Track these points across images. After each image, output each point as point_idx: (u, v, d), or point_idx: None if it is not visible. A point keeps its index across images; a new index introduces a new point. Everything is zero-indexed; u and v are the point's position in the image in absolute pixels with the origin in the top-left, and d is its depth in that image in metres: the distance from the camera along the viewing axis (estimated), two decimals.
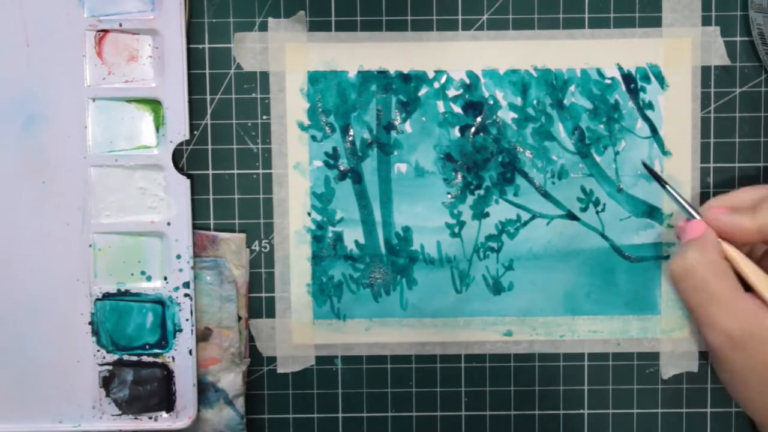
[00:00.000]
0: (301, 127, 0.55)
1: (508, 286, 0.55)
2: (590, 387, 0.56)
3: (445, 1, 0.54)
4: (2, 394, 0.54)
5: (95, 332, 0.54)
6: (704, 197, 0.55)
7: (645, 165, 0.53)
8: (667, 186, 0.51)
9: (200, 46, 0.54)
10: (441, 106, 0.55)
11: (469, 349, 0.56)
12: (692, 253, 0.46)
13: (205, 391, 0.55)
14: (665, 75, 0.55)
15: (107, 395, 0.54)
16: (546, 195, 0.55)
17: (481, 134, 0.55)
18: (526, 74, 0.55)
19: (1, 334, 0.54)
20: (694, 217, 0.49)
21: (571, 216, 0.55)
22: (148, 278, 0.54)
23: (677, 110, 0.55)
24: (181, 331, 0.54)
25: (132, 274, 0.54)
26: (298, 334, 0.56)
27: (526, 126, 0.55)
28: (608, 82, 0.55)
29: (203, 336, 0.55)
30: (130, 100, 0.53)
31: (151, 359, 0.54)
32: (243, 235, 0.55)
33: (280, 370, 0.56)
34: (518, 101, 0.55)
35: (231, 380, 0.55)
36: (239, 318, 0.55)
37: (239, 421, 0.55)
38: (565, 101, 0.55)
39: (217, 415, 0.55)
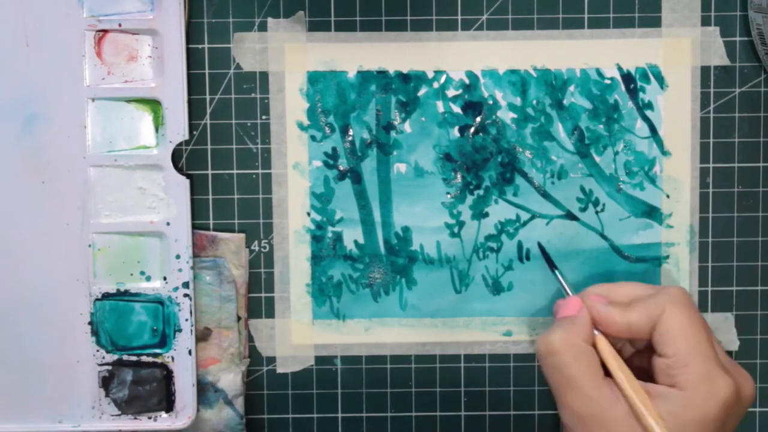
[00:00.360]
0: (301, 127, 0.55)
1: (507, 286, 0.55)
2: None
3: (445, 1, 0.54)
4: (2, 394, 0.54)
5: (95, 332, 0.54)
6: (704, 197, 0.55)
7: (539, 245, 0.54)
8: (555, 271, 0.52)
9: (200, 46, 0.54)
10: (440, 106, 0.55)
11: (468, 349, 0.56)
12: (557, 334, 0.47)
13: (204, 391, 0.55)
14: (665, 75, 0.55)
15: (107, 395, 0.54)
16: (545, 195, 0.55)
17: (481, 134, 0.55)
18: (525, 74, 0.55)
19: (1, 334, 0.54)
20: (569, 294, 0.50)
21: (570, 216, 0.55)
22: (148, 278, 0.54)
23: (677, 110, 0.55)
24: (180, 331, 0.54)
25: (131, 274, 0.54)
26: (298, 334, 0.56)
27: (526, 126, 0.55)
28: (608, 82, 0.55)
29: (203, 336, 0.55)
30: (129, 100, 0.53)
31: (150, 359, 0.54)
32: (242, 235, 0.55)
33: (279, 370, 0.56)
34: (518, 101, 0.55)
35: (230, 380, 0.55)
36: (239, 318, 0.55)
37: (239, 421, 0.55)
38: (565, 101, 0.55)
39: (216, 415, 0.55)
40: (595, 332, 0.48)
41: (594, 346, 0.47)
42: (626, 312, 0.47)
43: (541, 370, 0.48)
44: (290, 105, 0.55)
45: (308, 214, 0.55)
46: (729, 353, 0.56)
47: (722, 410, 0.45)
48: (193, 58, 0.54)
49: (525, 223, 0.55)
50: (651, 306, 0.47)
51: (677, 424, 0.45)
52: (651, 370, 0.47)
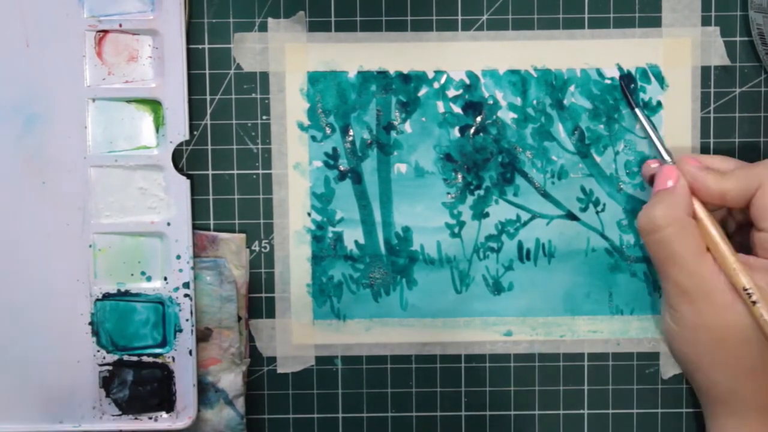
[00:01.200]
0: (301, 127, 0.55)
1: (508, 286, 0.55)
2: (590, 387, 0.56)
3: (445, 2, 0.54)
4: (2, 394, 0.54)
5: (95, 332, 0.54)
6: None
7: (620, 82, 0.53)
8: (637, 110, 0.51)
9: (200, 47, 0.54)
10: (441, 106, 0.55)
11: (469, 349, 0.56)
12: (660, 210, 0.47)
13: (205, 391, 0.55)
14: (665, 75, 0.55)
15: (107, 395, 0.54)
16: (546, 195, 0.55)
17: (481, 134, 0.55)
18: (526, 74, 0.55)
19: (1, 334, 0.54)
20: (665, 161, 0.50)
21: (570, 216, 0.55)
22: (148, 278, 0.54)
23: (677, 110, 0.55)
24: (181, 331, 0.54)
25: (132, 275, 0.54)
26: (298, 335, 0.56)
27: (526, 126, 0.55)
28: (608, 82, 0.55)
29: (203, 336, 0.55)
30: (130, 101, 0.53)
31: (151, 359, 0.54)
32: (243, 236, 0.55)
33: (280, 371, 0.56)
34: (518, 101, 0.55)
35: (231, 380, 0.55)
36: (239, 318, 0.55)
37: (239, 421, 0.55)
38: (565, 101, 0.55)
39: (217, 415, 0.55)
40: (695, 203, 0.48)
41: (694, 216, 0.47)
42: (722, 180, 0.47)
43: (647, 245, 0.48)
44: (291, 105, 0.55)
45: (309, 214, 0.55)
46: None
47: None
48: (193, 59, 0.54)
49: (525, 223, 0.55)
50: (748, 177, 0.47)
51: None
52: (751, 244, 0.47)
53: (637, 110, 0.51)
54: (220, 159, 0.55)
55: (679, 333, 0.49)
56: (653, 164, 0.50)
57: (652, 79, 0.55)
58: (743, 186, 0.47)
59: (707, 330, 0.47)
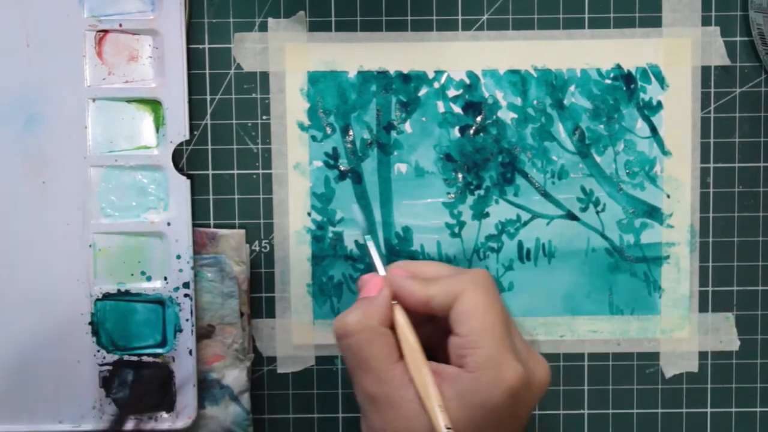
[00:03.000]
0: (301, 127, 0.55)
1: (508, 286, 0.55)
2: (590, 387, 0.56)
3: (445, 2, 0.54)
4: (2, 394, 0.54)
5: (95, 332, 0.54)
6: (704, 197, 0.55)
7: (354, 209, 0.53)
8: (366, 237, 0.51)
9: (200, 47, 0.54)
10: (441, 106, 0.55)
11: None
12: (353, 316, 0.47)
13: (210, 388, 0.55)
14: (665, 75, 0.55)
15: (107, 395, 0.54)
16: (546, 195, 0.55)
17: (481, 134, 0.55)
18: (526, 74, 0.55)
19: (2, 334, 0.54)
20: (378, 273, 0.49)
21: (571, 216, 0.55)
22: (148, 278, 0.54)
23: (677, 110, 0.55)
24: (181, 331, 0.54)
25: (132, 274, 0.54)
26: (299, 335, 0.56)
27: (526, 126, 0.55)
28: (608, 82, 0.55)
29: (206, 333, 0.55)
30: (130, 101, 0.53)
31: (151, 359, 0.54)
32: (242, 231, 0.55)
33: (280, 371, 0.56)
34: (518, 101, 0.55)
35: (236, 376, 0.55)
36: (241, 314, 0.55)
37: (245, 417, 0.55)
38: (565, 101, 0.55)
39: (223, 411, 0.55)
40: (395, 305, 0.47)
41: (392, 327, 0.47)
42: (427, 286, 0.47)
43: (340, 349, 0.48)
44: (291, 105, 0.55)
45: (309, 214, 0.55)
46: (729, 353, 0.56)
47: (508, 396, 0.45)
48: (193, 59, 0.54)
49: (525, 223, 0.55)
50: (453, 283, 0.47)
51: (462, 407, 0.45)
52: (448, 352, 0.47)
53: (366, 237, 0.51)
54: (221, 159, 0.55)
55: None
56: (366, 277, 0.50)
57: (653, 79, 0.55)
58: (448, 290, 0.46)
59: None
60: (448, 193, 0.55)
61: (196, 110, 0.54)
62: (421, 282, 0.47)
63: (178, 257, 0.53)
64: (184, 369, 0.54)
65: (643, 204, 0.55)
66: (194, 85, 0.54)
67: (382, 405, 0.46)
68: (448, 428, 0.44)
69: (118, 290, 0.54)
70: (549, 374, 0.48)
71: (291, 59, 0.54)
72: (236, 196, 0.55)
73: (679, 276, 0.55)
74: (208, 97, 0.54)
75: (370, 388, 0.46)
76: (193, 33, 0.54)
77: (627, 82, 0.55)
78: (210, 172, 0.55)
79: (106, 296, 0.54)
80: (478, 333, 0.45)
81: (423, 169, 0.55)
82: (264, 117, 0.55)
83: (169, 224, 0.53)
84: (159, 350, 0.54)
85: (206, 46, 0.54)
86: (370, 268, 0.55)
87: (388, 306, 0.47)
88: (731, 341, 0.56)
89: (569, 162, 0.55)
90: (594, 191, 0.55)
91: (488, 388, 0.45)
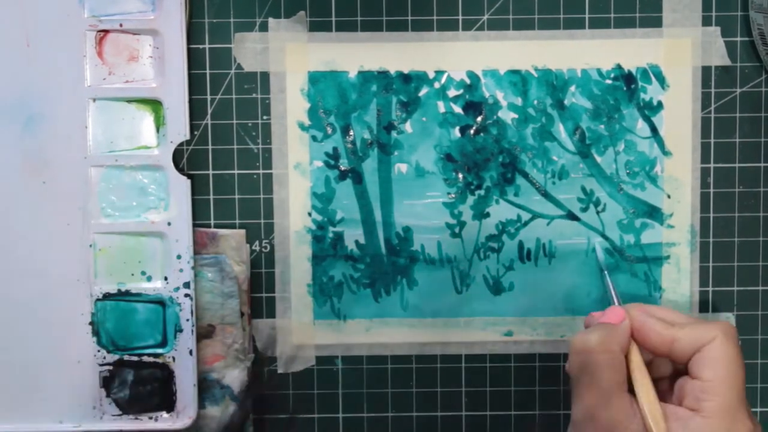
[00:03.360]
0: (302, 127, 0.55)
1: (508, 286, 0.55)
2: None
3: (446, 2, 0.54)
4: (2, 394, 0.54)
5: (96, 332, 0.54)
6: (705, 197, 0.55)
7: (597, 250, 0.54)
8: (605, 274, 0.53)
9: (201, 47, 0.54)
10: (441, 106, 0.55)
11: (469, 349, 0.56)
12: (597, 336, 0.47)
13: (210, 387, 0.55)
14: (666, 75, 0.55)
15: (108, 395, 0.54)
16: (546, 195, 0.55)
17: (482, 134, 0.55)
18: (526, 74, 0.55)
19: (2, 334, 0.54)
20: (616, 304, 0.50)
21: (571, 216, 0.55)
22: (149, 278, 0.54)
23: (678, 110, 0.55)
24: (181, 331, 0.54)
25: (132, 275, 0.54)
26: (299, 335, 0.56)
27: (527, 126, 0.55)
28: (609, 82, 0.55)
29: (206, 333, 0.55)
30: (130, 101, 0.53)
31: (151, 359, 0.54)
32: (242, 231, 0.55)
33: (280, 371, 0.56)
34: (519, 101, 0.55)
35: (236, 376, 0.55)
36: (242, 314, 0.55)
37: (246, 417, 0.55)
38: (566, 101, 0.55)
39: (223, 411, 0.55)
40: (633, 346, 0.48)
41: (626, 357, 0.48)
42: (672, 328, 0.47)
43: (570, 361, 0.48)
44: (291, 105, 0.55)
45: (309, 214, 0.55)
46: None
47: None
48: (194, 59, 0.54)
49: (526, 224, 0.55)
50: (702, 330, 0.47)
51: None
52: (673, 393, 0.47)
53: (605, 275, 0.53)
54: (221, 159, 0.55)
55: None
56: (597, 314, 0.50)
57: (653, 79, 0.55)
58: (696, 337, 0.47)
59: None
60: (449, 193, 0.55)
61: (196, 110, 0.54)
62: (665, 323, 0.48)
63: (179, 257, 0.53)
64: (185, 369, 0.54)
65: (643, 204, 0.55)
66: (195, 85, 0.54)
67: (603, 428, 0.46)
68: None
69: (119, 290, 0.54)
70: None
71: (291, 59, 0.54)
72: (237, 196, 0.55)
73: (680, 276, 0.55)
74: (209, 97, 0.54)
75: (596, 409, 0.46)
76: (193, 33, 0.54)
77: (627, 82, 0.55)
78: (210, 172, 0.55)
79: (107, 296, 0.54)
80: (721, 381, 0.45)
81: (423, 169, 0.55)
82: (264, 117, 0.55)
83: (169, 224, 0.53)
84: (159, 350, 0.54)
85: (207, 46, 0.54)
86: (371, 267, 0.55)
87: (628, 336, 0.48)
88: None
89: (570, 162, 0.55)
90: (594, 191, 0.55)
91: None
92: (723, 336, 0.46)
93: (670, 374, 0.49)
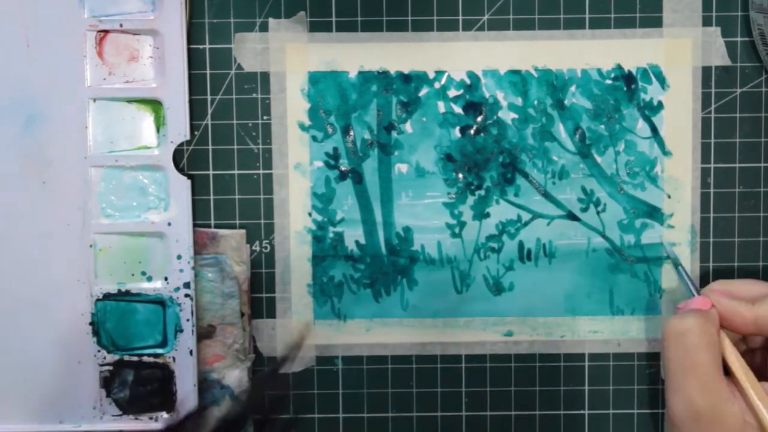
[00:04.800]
0: (302, 127, 0.55)
1: (508, 287, 0.56)
2: (591, 387, 0.56)
3: (446, 2, 0.54)
4: (3, 394, 0.54)
5: (96, 332, 0.54)
6: (705, 198, 0.55)
7: (665, 248, 0.55)
8: (680, 267, 0.53)
9: (201, 47, 0.54)
10: (441, 106, 0.55)
11: (469, 349, 0.56)
12: (694, 319, 0.47)
13: (210, 388, 0.55)
14: (666, 75, 0.55)
15: (108, 395, 0.54)
16: (546, 195, 0.55)
17: (482, 134, 0.55)
18: (526, 74, 0.55)
19: (2, 334, 0.54)
20: (697, 295, 0.50)
21: (571, 216, 0.55)
22: (149, 278, 0.54)
23: (678, 110, 0.55)
24: (181, 331, 0.54)
25: (132, 275, 0.54)
26: (299, 335, 0.56)
27: (527, 126, 0.55)
28: (609, 82, 0.55)
29: (207, 333, 0.55)
30: (130, 101, 0.53)
31: (151, 359, 0.54)
32: (243, 231, 0.55)
33: (280, 371, 0.56)
34: (519, 101, 0.55)
35: (236, 376, 0.55)
36: (242, 314, 0.55)
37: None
38: (566, 101, 0.55)
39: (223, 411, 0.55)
40: (722, 331, 0.48)
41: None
42: (754, 307, 0.47)
43: (665, 353, 0.47)
44: (291, 105, 0.55)
45: (309, 214, 0.55)
46: None
47: None
48: (194, 59, 0.54)
49: (526, 224, 0.55)
50: None
51: None
52: (765, 369, 0.47)
53: (680, 267, 0.53)
54: (221, 159, 0.55)
55: None
56: (682, 305, 0.50)
57: (653, 79, 0.55)
58: None
59: None
60: (449, 194, 0.55)
61: (196, 110, 0.54)
62: (746, 302, 0.48)
63: (179, 257, 0.53)
64: (185, 369, 0.54)
65: (643, 204, 0.55)
66: (195, 85, 0.54)
67: (707, 419, 0.45)
68: None
69: (119, 290, 0.54)
70: None
71: (292, 59, 0.54)
72: (237, 197, 0.55)
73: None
74: (209, 98, 0.54)
75: (696, 397, 0.45)
76: (193, 33, 0.54)
77: (627, 82, 0.55)
78: (210, 172, 0.55)
79: (107, 296, 0.54)
80: None
81: (423, 169, 0.55)
82: (265, 117, 0.55)
83: (169, 224, 0.53)
84: (159, 350, 0.54)
85: (207, 46, 0.54)
86: (372, 267, 0.55)
87: (718, 320, 0.48)
88: None
89: (570, 162, 0.55)
90: (594, 191, 0.55)
91: None
92: None
93: (760, 347, 0.49)
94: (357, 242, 0.55)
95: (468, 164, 0.55)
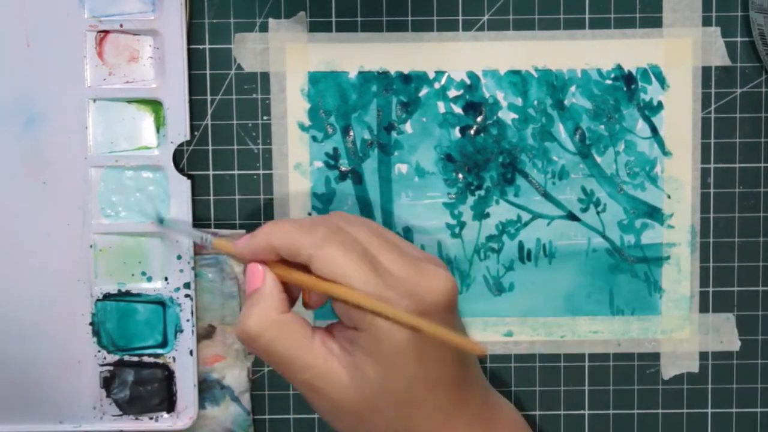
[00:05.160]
0: (302, 127, 0.55)
1: (508, 287, 0.55)
2: (591, 387, 0.56)
3: (446, 2, 0.54)
4: (2, 394, 0.54)
5: (96, 333, 0.54)
6: (705, 198, 0.55)
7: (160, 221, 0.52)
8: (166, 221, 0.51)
9: (201, 47, 0.54)
10: (441, 106, 0.55)
11: None
12: (252, 318, 0.44)
13: (210, 388, 0.55)
14: (666, 75, 0.55)
15: (108, 396, 0.54)
16: (546, 195, 0.55)
17: (482, 135, 0.55)
18: (526, 75, 0.55)
19: (2, 334, 0.54)
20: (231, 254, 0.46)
21: (571, 216, 0.55)
22: (149, 279, 0.54)
23: (678, 110, 0.55)
24: (182, 331, 0.54)
25: (132, 275, 0.54)
26: None
27: (527, 126, 0.55)
28: (609, 82, 0.55)
29: (207, 333, 0.55)
30: (130, 101, 0.53)
31: (151, 360, 0.54)
32: (242, 231, 0.55)
33: None
34: (519, 102, 0.55)
35: (236, 377, 0.55)
36: None
37: (246, 417, 0.55)
38: (566, 102, 0.55)
39: (223, 412, 0.55)
40: (265, 269, 0.45)
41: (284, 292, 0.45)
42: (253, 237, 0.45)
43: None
44: (291, 105, 0.55)
45: (309, 214, 0.55)
46: (730, 354, 0.56)
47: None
48: (194, 59, 0.54)
49: (526, 224, 0.55)
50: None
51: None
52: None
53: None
54: (221, 159, 0.55)
55: (325, 417, 0.46)
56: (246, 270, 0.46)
57: (653, 79, 0.55)
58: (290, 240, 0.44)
59: (341, 409, 0.44)
60: (449, 194, 0.55)
61: (196, 111, 0.54)
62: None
63: (179, 258, 0.53)
64: (185, 369, 0.54)
65: (643, 204, 0.55)
66: (195, 85, 0.54)
67: (320, 386, 0.44)
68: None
69: (119, 290, 0.54)
70: (448, 280, 0.44)
71: (291, 59, 0.54)
72: (237, 197, 0.55)
73: (680, 276, 0.55)
74: (209, 98, 0.54)
75: (301, 375, 0.44)
76: (193, 33, 0.54)
77: (627, 82, 0.55)
78: (210, 172, 0.55)
79: (107, 297, 0.54)
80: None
81: (423, 170, 0.55)
82: (264, 117, 0.55)
83: None
84: (160, 351, 0.54)
85: (207, 46, 0.54)
86: None
87: (278, 291, 0.45)
88: (732, 342, 0.56)
89: (570, 162, 0.55)
90: (594, 192, 0.55)
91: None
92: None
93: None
94: None
95: (468, 164, 0.55)
